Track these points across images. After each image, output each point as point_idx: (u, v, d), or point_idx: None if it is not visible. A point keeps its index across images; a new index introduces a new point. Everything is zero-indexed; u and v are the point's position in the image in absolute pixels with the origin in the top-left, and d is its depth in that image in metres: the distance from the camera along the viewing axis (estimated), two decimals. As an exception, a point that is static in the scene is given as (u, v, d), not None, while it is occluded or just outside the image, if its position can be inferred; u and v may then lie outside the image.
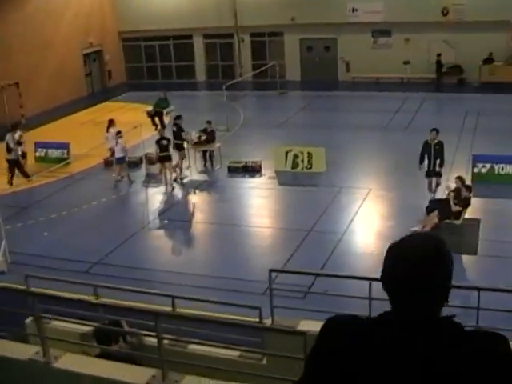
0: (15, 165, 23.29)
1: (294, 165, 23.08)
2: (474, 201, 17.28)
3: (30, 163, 24.56)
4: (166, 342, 7.43)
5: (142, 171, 23.96)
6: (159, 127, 25.96)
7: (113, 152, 23.24)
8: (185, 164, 23.52)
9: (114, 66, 42.41)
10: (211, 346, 8.16)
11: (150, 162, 23.77)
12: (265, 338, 8.55)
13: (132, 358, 7.97)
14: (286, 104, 35.67)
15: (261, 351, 8.20)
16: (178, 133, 23.00)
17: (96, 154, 25.55)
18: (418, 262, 2.62)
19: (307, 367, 2.75)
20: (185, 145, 23.25)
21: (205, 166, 24.21)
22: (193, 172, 23.59)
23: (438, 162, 18.45)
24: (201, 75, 42.87)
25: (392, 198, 20.17)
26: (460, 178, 17.20)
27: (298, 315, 9.22)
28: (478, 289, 9.03)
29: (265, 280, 14.37)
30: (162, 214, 20.47)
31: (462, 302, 9.60)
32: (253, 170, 23.29)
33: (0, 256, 16.15)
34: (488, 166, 20.57)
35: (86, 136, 28.39)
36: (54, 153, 25.86)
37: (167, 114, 27.83)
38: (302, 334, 6.47)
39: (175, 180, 22.70)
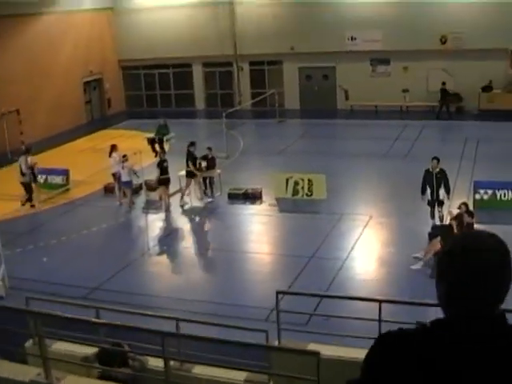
0: (29, 187, 23.34)
1: (295, 192, 23.01)
2: (476, 227, 17.19)
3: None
4: (170, 364, 7.29)
5: (142, 198, 23.88)
6: (159, 153, 25.95)
7: (117, 177, 23.17)
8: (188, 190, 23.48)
9: (113, 94, 42.53)
10: (217, 367, 8.01)
11: (150, 188, 23.73)
12: (272, 361, 8.40)
13: (135, 381, 7.84)
14: (285, 132, 35.71)
15: (268, 371, 8.04)
16: (190, 160, 23.06)
17: (95, 181, 25.52)
18: (490, 263, 2.50)
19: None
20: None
21: (205, 192, 24.13)
22: (193, 198, 23.50)
23: (441, 190, 18.38)
24: (200, 103, 42.97)
25: (393, 224, 20.08)
26: (465, 204, 17.13)
27: (304, 339, 9.09)
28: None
29: (267, 306, 14.36)
30: (162, 240, 20.35)
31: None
32: (253, 197, 23.23)
33: (-1, 281, 16.03)
34: (490, 192, 20.52)
35: (86, 163, 28.37)
36: (54, 179, 25.79)
37: (167, 140, 27.83)
38: (315, 354, 6.32)
39: (181, 206, 22.79)
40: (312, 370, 6.35)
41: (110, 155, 24.00)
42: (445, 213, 18.46)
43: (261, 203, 22.96)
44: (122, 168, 22.77)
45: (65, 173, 25.75)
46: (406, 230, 19.29)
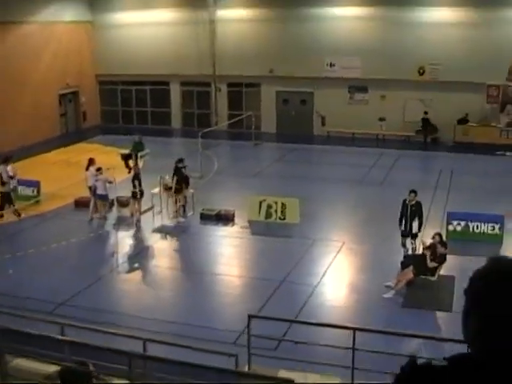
0: (8, 198, 22.94)
1: (268, 215, 22.85)
2: (448, 258, 17.14)
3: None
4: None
5: (114, 214, 23.57)
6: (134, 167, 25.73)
7: (93, 190, 22.89)
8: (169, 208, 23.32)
9: (89, 108, 42.19)
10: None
11: (122, 204, 23.48)
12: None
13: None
14: (261, 155, 35.64)
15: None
16: (178, 176, 23.14)
17: (67, 194, 25.14)
18: None
19: None
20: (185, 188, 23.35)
21: (177, 211, 23.86)
22: (164, 217, 23.23)
23: (414, 223, 18.30)
24: (176, 122, 42.73)
25: (365, 251, 19.96)
26: (438, 235, 17.09)
27: (273, 365, 8.87)
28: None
29: (236, 329, 14.15)
30: (131, 257, 20.01)
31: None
32: (226, 219, 23.02)
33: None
34: (462, 223, 20.52)
35: (58, 175, 27.99)
36: (24, 190, 25.36)
37: (141, 157, 27.53)
38: (289, 382, 6.11)
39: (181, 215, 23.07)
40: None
41: (87, 169, 23.66)
42: (417, 244, 18.40)
43: (233, 225, 22.76)
44: (96, 181, 22.53)
45: (36, 184, 25.36)
46: (379, 257, 19.20)
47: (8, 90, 33.90)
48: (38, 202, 24.95)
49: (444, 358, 2.33)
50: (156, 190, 23.46)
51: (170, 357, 8.55)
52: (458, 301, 15.89)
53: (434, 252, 16.63)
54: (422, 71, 36.28)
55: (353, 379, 8.63)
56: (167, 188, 23.46)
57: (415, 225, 18.34)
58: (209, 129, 35.41)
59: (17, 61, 34.77)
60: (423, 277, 16.58)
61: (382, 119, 37.51)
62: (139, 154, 27.57)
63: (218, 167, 30.56)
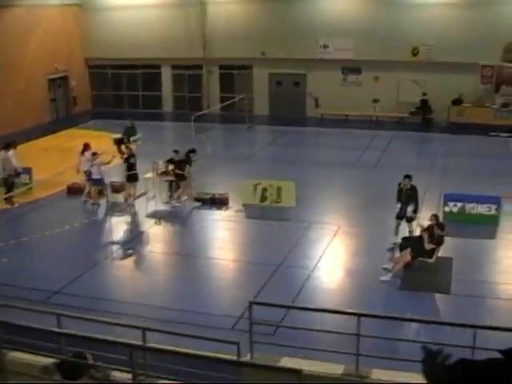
0: (11, 184, 22.87)
1: (263, 198, 22.65)
2: (445, 239, 17.02)
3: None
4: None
5: (108, 199, 23.33)
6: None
7: (88, 174, 22.67)
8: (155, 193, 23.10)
9: (79, 93, 41.78)
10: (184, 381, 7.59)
11: (115, 190, 23.27)
12: (243, 374, 8.00)
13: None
14: (254, 138, 35.42)
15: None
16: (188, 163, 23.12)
17: (59, 181, 24.87)
18: None
19: None
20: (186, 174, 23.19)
21: (171, 196, 23.67)
22: (158, 202, 23.02)
23: (409, 207, 18.18)
24: (167, 106, 42.42)
25: (362, 234, 19.81)
26: (435, 216, 16.97)
27: (274, 351, 8.72)
28: (473, 326, 8.66)
29: (233, 314, 14.01)
30: (126, 243, 19.80)
31: (452, 340, 9.16)
32: (220, 203, 22.83)
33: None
34: (459, 205, 20.40)
35: (50, 162, 27.70)
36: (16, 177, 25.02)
37: (134, 141, 27.28)
38: (297, 372, 5.95)
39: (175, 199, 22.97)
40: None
41: (82, 153, 23.40)
42: (414, 227, 18.28)
43: (227, 209, 22.56)
44: (92, 166, 22.34)
45: (27, 171, 25.05)
46: (375, 240, 19.06)
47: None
48: (30, 189, 24.66)
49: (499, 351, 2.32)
50: (149, 174, 23.24)
51: (169, 344, 8.36)
52: (455, 283, 15.84)
53: (431, 234, 16.51)
54: (415, 52, 36.06)
55: (357, 366, 8.49)
56: (163, 172, 23.28)
57: (410, 209, 18.22)
58: (201, 112, 35.19)
59: (4, 46, 34.24)
60: (421, 259, 16.46)
61: (375, 100, 37.31)
62: (131, 139, 27.36)
63: (212, 151, 30.31)
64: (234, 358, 7.91)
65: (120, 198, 22.96)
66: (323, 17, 36.90)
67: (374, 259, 17.41)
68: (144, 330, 8.37)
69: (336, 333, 10.05)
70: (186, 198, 23.23)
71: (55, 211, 22.71)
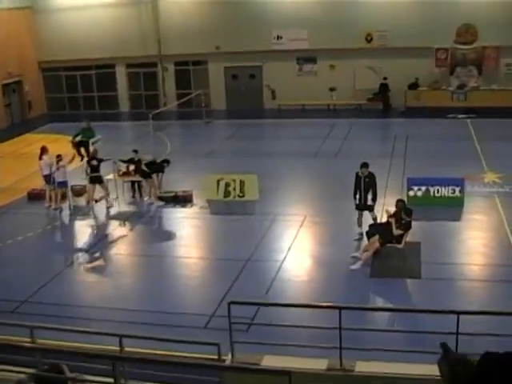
0: None
1: (226, 193, 22.51)
2: (412, 224, 17.04)
3: None
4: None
5: (69, 203, 22.95)
6: (85, 158, 25.16)
7: (48, 179, 22.25)
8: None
9: (34, 97, 41.15)
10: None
11: (76, 193, 22.92)
12: (225, 377, 7.86)
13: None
14: (213, 133, 35.20)
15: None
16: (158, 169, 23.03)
17: (18, 187, 24.41)
18: None
19: None
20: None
21: (133, 196, 23.40)
22: (121, 203, 22.74)
23: (369, 195, 18.06)
24: (124, 105, 42.02)
25: (328, 224, 19.77)
26: (402, 201, 16.94)
27: (252, 350, 8.59)
28: (457, 312, 8.64)
29: (206, 312, 13.87)
30: (91, 247, 19.48)
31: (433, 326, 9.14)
32: (184, 200, 22.62)
33: None
34: (423, 188, 20.48)
35: (7, 169, 27.13)
36: (-27, 186, 24.57)
37: (93, 143, 26.89)
38: (287, 373, 5.82)
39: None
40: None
41: (40, 158, 22.94)
42: (377, 214, 18.22)
43: (192, 206, 22.36)
44: (58, 169, 21.98)
45: (-15, 179, 24.59)
46: (342, 229, 19.03)
47: None
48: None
49: None
50: (110, 176, 22.95)
51: (148, 348, 8.18)
52: (425, 267, 15.88)
53: (398, 219, 16.50)
54: (369, 38, 36.21)
55: (341, 359, 8.41)
56: (124, 173, 23.01)
57: (370, 197, 18.10)
58: (158, 110, 34.90)
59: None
60: (390, 245, 16.45)
61: (332, 89, 37.37)
62: (90, 141, 26.99)
63: (171, 148, 30.06)
64: (215, 357, 7.79)
65: (82, 201, 22.63)
66: (276, 8, 36.88)
67: (343, 248, 17.37)
68: (121, 337, 8.18)
69: (318, 328, 9.94)
70: (148, 197, 22.99)
71: (16, 219, 22.26)
